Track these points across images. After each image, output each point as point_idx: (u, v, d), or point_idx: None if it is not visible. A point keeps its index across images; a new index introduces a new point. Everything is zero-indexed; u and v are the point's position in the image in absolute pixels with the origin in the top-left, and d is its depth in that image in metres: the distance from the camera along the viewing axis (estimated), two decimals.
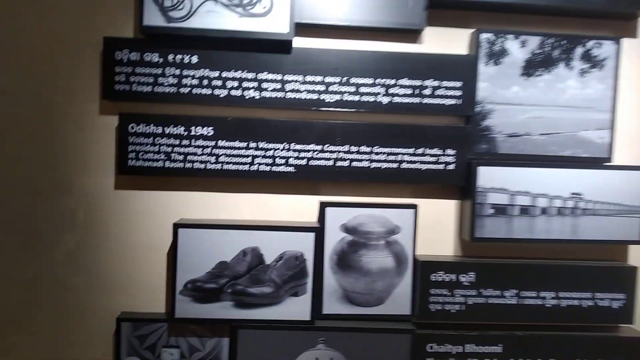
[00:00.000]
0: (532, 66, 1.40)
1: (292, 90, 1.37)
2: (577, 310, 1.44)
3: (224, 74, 1.35)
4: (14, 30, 1.36)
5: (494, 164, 1.39)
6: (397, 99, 1.38)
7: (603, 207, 1.41)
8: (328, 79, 1.37)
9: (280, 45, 1.35)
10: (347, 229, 1.41)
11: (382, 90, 1.38)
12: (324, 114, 1.40)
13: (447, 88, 1.38)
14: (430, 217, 1.46)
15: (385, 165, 1.39)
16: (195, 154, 1.37)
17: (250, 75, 1.36)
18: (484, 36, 1.38)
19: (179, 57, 1.34)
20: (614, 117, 1.43)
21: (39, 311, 1.41)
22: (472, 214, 1.39)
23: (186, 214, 1.42)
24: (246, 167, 1.37)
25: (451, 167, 1.40)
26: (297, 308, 1.39)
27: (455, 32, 1.43)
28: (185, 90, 1.35)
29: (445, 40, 1.43)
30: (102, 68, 1.36)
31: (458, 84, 1.39)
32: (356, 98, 1.38)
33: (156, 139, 1.36)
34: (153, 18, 1.30)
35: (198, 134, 1.36)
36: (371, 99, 1.38)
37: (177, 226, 1.35)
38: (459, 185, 1.43)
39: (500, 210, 1.39)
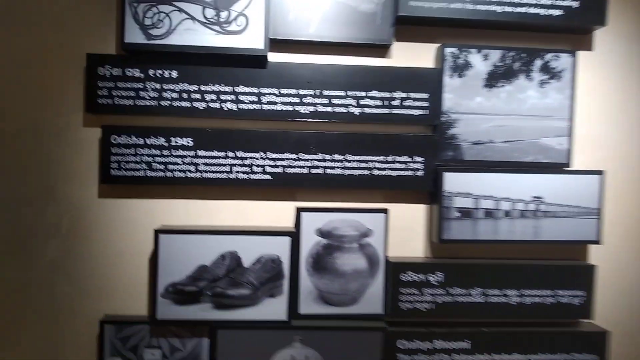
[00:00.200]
0: (494, 78, 1.47)
1: (268, 103, 1.42)
2: (539, 307, 1.51)
3: (203, 88, 1.41)
4: (1, 46, 1.41)
5: (459, 170, 1.46)
6: (367, 110, 1.45)
7: (562, 209, 1.48)
8: (302, 92, 1.43)
9: (256, 60, 1.41)
10: (321, 232, 1.47)
11: (354, 101, 1.44)
12: (298, 124, 1.46)
13: (414, 99, 1.45)
14: (401, 220, 1.52)
15: (357, 172, 1.45)
16: (175, 163, 1.42)
17: (228, 89, 1.41)
18: (449, 50, 1.46)
19: (159, 72, 1.40)
20: (572, 124, 1.50)
21: (26, 315, 1.44)
22: (439, 217, 1.45)
23: (167, 220, 1.47)
24: (225, 175, 1.43)
25: (419, 173, 1.47)
26: (274, 309, 1.44)
27: (421, 47, 1.50)
28: (166, 103, 1.41)
29: (412, 55, 1.50)
30: (85, 83, 1.41)
31: (425, 95, 1.45)
32: (329, 109, 1.44)
33: (138, 149, 1.41)
34: (134, 36, 1.35)
35: (178, 144, 1.41)
36: (343, 110, 1.44)
37: (158, 232, 1.40)
38: (427, 190, 1.49)
39: (466, 213, 1.46)
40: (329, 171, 1.45)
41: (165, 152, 1.41)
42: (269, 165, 1.43)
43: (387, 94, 1.44)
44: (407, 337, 1.48)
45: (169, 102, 1.41)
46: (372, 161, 1.45)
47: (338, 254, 1.46)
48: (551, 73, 1.48)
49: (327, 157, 1.44)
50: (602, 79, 1.56)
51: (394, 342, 1.47)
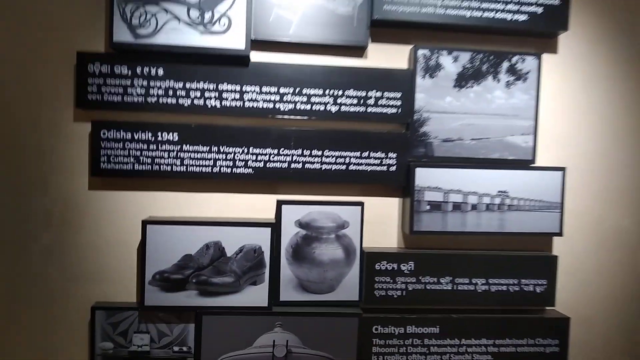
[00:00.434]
0: (464, 79, 1.54)
1: (250, 100, 1.48)
2: (505, 295, 1.58)
3: (188, 85, 1.46)
4: None
5: (430, 166, 1.53)
6: (344, 108, 1.51)
7: (527, 203, 1.56)
8: (282, 90, 1.48)
9: (239, 59, 1.47)
10: (301, 224, 1.53)
11: (331, 100, 1.50)
12: (279, 121, 1.52)
13: (388, 98, 1.52)
14: (375, 213, 1.58)
15: (334, 167, 1.52)
16: (162, 157, 1.47)
17: (212, 86, 1.47)
18: (421, 52, 1.52)
19: (146, 69, 1.45)
20: (537, 123, 1.58)
21: (20, 302, 1.49)
22: (411, 210, 1.52)
23: (154, 212, 1.52)
24: (209, 169, 1.48)
25: (393, 168, 1.53)
26: (256, 296, 1.50)
27: (395, 49, 1.56)
28: (153, 99, 1.46)
29: (387, 56, 1.56)
30: (75, 79, 1.45)
31: (398, 94, 1.52)
32: (308, 107, 1.50)
33: (126, 143, 1.46)
34: (122, 35, 1.40)
35: (164, 139, 1.47)
36: (321, 107, 1.50)
37: (145, 223, 1.45)
38: (399, 184, 1.56)
39: (436, 206, 1.53)
40: (307, 166, 1.51)
41: (152, 147, 1.46)
42: (251, 160, 1.49)
43: (362, 93, 1.51)
44: (382, 323, 1.55)
45: (156, 99, 1.46)
46: (348, 157, 1.52)
47: (316, 244, 1.53)
48: (517, 74, 1.56)
49: (306, 152, 1.50)
50: (566, 80, 1.63)
51: (370, 327, 1.54)
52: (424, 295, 1.55)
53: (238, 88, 1.47)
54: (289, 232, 1.53)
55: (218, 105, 1.47)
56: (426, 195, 1.52)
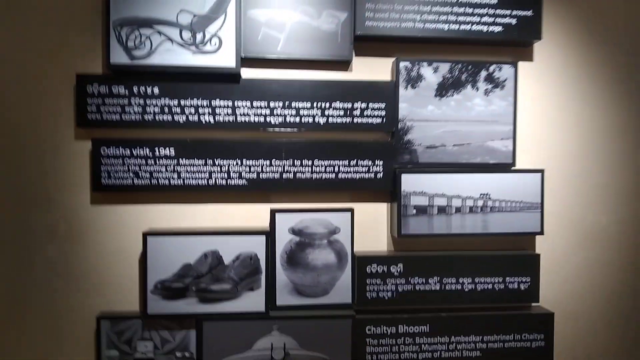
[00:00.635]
0: (444, 88, 1.61)
1: (242, 114, 1.54)
2: (491, 293, 1.64)
3: (182, 102, 1.52)
4: (1, 69, 1.53)
5: (415, 172, 1.59)
6: (332, 119, 1.57)
7: (508, 204, 1.62)
8: (272, 104, 1.55)
9: (230, 77, 1.53)
10: (294, 231, 1.59)
11: (319, 112, 1.56)
12: (270, 133, 1.58)
13: (373, 109, 1.58)
14: (365, 218, 1.64)
15: (324, 175, 1.58)
16: (159, 171, 1.53)
17: (205, 103, 1.53)
18: (403, 64, 1.59)
19: (142, 89, 1.51)
20: (515, 128, 1.64)
21: (27, 312, 1.55)
22: (398, 214, 1.59)
23: (154, 223, 1.58)
24: (205, 181, 1.54)
25: (380, 175, 1.60)
26: (253, 301, 1.56)
27: (378, 62, 1.63)
28: (149, 117, 1.52)
29: (370, 69, 1.63)
30: (75, 100, 1.51)
31: (382, 105, 1.58)
32: (297, 119, 1.56)
33: (125, 159, 1.51)
34: (119, 57, 1.47)
35: (162, 154, 1.53)
36: (310, 119, 1.56)
37: (146, 234, 1.51)
38: (387, 190, 1.62)
39: (422, 210, 1.59)
40: (299, 175, 1.57)
41: (150, 162, 1.52)
42: (245, 171, 1.55)
43: (348, 105, 1.57)
44: (374, 323, 1.60)
45: (152, 116, 1.52)
46: (337, 165, 1.58)
47: (309, 250, 1.59)
48: (495, 82, 1.62)
49: (297, 162, 1.57)
50: (542, 86, 1.70)
51: (363, 328, 1.60)
52: (414, 295, 1.61)
53: (230, 104, 1.53)
54: (283, 239, 1.58)
55: (212, 121, 1.53)
56: (412, 200, 1.58)
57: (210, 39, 1.48)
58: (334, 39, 1.55)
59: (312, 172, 1.57)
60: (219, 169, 1.54)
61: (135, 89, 1.50)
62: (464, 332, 1.63)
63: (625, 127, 1.75)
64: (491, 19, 1.58)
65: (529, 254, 1.67)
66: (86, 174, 1.54)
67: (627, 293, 1.77)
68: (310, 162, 1.57)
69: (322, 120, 1.56)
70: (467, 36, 1.59)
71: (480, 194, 1.61)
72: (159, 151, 1.52)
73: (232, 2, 1.47)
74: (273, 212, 1.57)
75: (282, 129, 1.56)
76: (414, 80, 1.59)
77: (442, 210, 1.59)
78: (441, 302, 1.62)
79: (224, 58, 1.49)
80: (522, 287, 1.65)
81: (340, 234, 1.60)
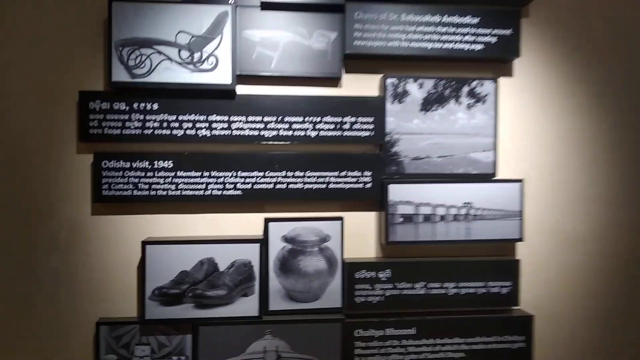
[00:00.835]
0: (429, 103, 1.69)
1: (237, 129, 1.61)
2: (473, 297, 1.71)
3: (180, 117, 1.59)
4: (6, 85, 1.57)
5: (401, 182, 1.67)
6: (322, 133, 1.64)
7: (490, 213, 1.70)
8: (266, 119, 1.62)
9: (226, 93, 1.60)
10: (287, 239, 1.65)
11: (311, 126, 1.64)
12: (264, 146, 1.65)
13: (362, 123, 1.66)
14: (354, 226, 1.71)
15: (315, 186, 1.65)
16: (158, 183, 1.59)
17: (202, 118, 1.60)
18: (390, 80, 1.67)
19: (142, 105, 1.58)
20: (496, 140, 1.72)
21: (30, 319, 1.60)
22: (386, 222, 1.66)
23: (152, 233, 1.64)
24: (201, 192, 1.60)
25: (368, 185, 1.67)
26: (247, 306, 1.62)
27: (366, 78, 1.71)
28: (149, 131, 1.58)
29: (359, 85, 1.70)
30: (78, 116, 1.58)
31: (370, 119, 1.66)
32: (290, 133, 1.63)
33: (125, 172, 1.57)
34: (120, 75, 1.53)
35: (160, 166, 1.59)
36: (302, 133, 1.64)
37: (145, 243, 1.57)
38: (375, 200, 1.69)
39: (408, 218, 1.67)
40: (291, 186, 1.64)
41: (149, 174, 1.58)
42: (240, 183, 1.62)
43: (338, 119, 1.65)
44: (363, 327, 1.67)
45: (151, 131, 1.58)
46: (328, 176, 1.65)
47: (301, 257, 1.65)
48: (477, 97, 1.71)
49: (290, 173, 1.63)
50: (521, 101, 1.79)
51: (352, 331, 1.66)
52: (401, 300, 1.68)
53: (226, 118, 1.60)
54: (276, 247, 1.65)
55: (208, 135, 1.60)
56: (399, 209, 1.66)
57: (207, 58, 1.55)
58: (324, 57, 1.63)
59: (304, 183, 1.64)
60: (215, 180, 1.60)
61: (135, 105, 1.57)
62: (449, 335, 1.70)
63: (599, 139, 1.83)
64: (472, 38, 1.67)
65: (509, 259, 1.75)
66: (87, 186, 1.60)
67: (604, 296, 1.85)
68: (302, 174, 1.64)
69: (313, 134, 1.64)
70: (450, 54, 1.67)
71: (464, 203, 1.68)
72: (157, 164, 1.58)
73: (228, 23, 1.55)
74: (267, 221, 1.64)
75: (276, 142, 1.63)
76: (401, 96, 1.67)
77: (427, 218, 1.67)
78: (427, 306, 1.69)
79: (221, 76, 1.56)
80: (503, 291, 1.72)
81: (330, 242, 1.66)
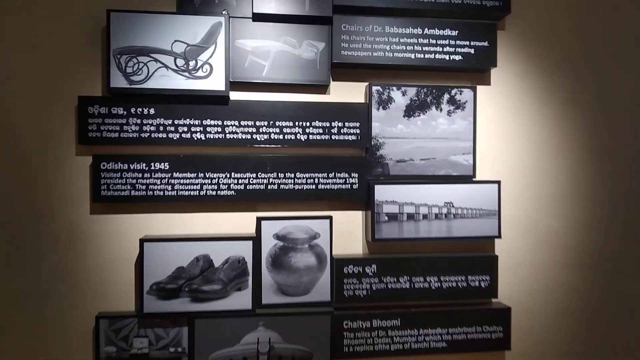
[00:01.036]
0: (412, 109, 1.78)
1: (230, 133, 1.68)
2: (455, 290, 1.81)
3: (176, 122, 1.66)
4: (9, 90, 1.62)
5: (386, 183, 1.75)
6: (312, 137, 1.72)
7: (469, 212, 1.80)
8: (258, 123, 1.69)
9: (220, 99, 1.67)
10: (278, 237, 1.72)
11: (300, 130, 1.72)
12: (256, 149, 1.72)
13: (349, 127, 1.74)
14: (342, 225, 1.80)
15: (305, 186, 1.73)
16: (155, 184, 1.65)
17: (197, 122, 1.66)
18: (375, 88, 1.75)
19: (139, 110, 1.64)
20: (475, 144, 1.82)
21: (32, 314, 1.65)
22: (372, 221, 1.74)
23: (149, 231, 1.70)
24: (196, 193, 1.67)
25: (355, 186, 1.75)
26: (241, 300, 1.68)
27: (353, 86, 1.79)
28: (145, 135, 1.64)
29: (346, 92, 1.79)
30: (77, 120, 1.63)
31: (357, 124, 1.74)
32: (280, 137, 1.71)
33: (123, 173, 1.63)
34: (118, 81, 1.59)
35: (157, 168, 1.65)
36: (292, 137, 1.71)
37: (142, 241, 1.63)
38: (361, 200, 1.77)
39: (393, 217, 1.75)
40: (282, 186, 1.71)
41: (146, 175, 1.65)
42: (233, 183, 1.69)
43: (327, 124, 1.73)
44: (351, 319, 1.75)
45: (148, 134, 1.65)
46: (317, 177, 1.73)
47: (292, 253, 1.72)
48: (457, 104, 1.80)
49: (281, 175, 1.71)
50: (498, 107, 1.89)
51: (340, 323, 1.74)
52: (386, 293, 1.77)
53: (220, 123, 1.67)
54: (268, 244, 1.72)
55: (203, 138, 1.67)
56: (384, 208, 1.75)
57: (202, 66, 1.62)
58: (313, 65, 1.71)
59: (294, 184, 1.72)
60: (209, 181, 1.67)
61: (132, 110, 1.63)
62: (431, 325, 1.79)
63: (569, 143, 1.94)
64: (452, 49, 1.77)
65: (488, 255, 1.85)
66: (86, 186, 1.66)
67: (576, 289, 1.97)
68: (292, 175, 1.71)
69: (303, 138, 1.72)
70: (431, 64, 1.77)
71: (445, 203, 1.78)
72: (154, 165, 1.65)
73: (221, 33, 1.62)
74: (259, 220, 1.71)
75: (267, 146, 1.70)
76: (385, 103, 1.76)
77: (410, 217, 1.76)
78: (411, 298, 1.79)
79: (215, 82, 1.63)
80: (482, 284, 1.82)
81: (320, 239, 1.74)
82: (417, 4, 1.74)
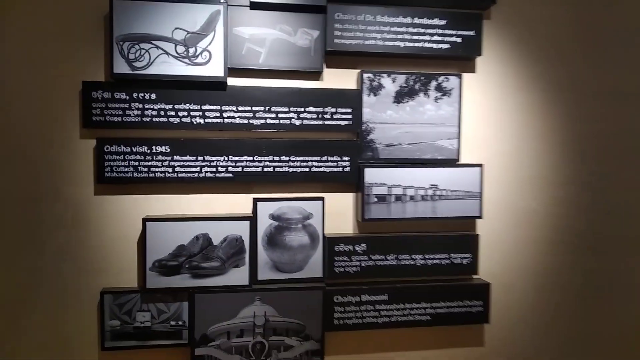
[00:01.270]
0: (401, 96, 1.85)
1: (228, 117, 1.74)
2: (438, 267, 1.91)
3: (176, 106, 1.71)
4: (17, 76, 1.66)
5: (376, 166, 1.83)
6: (306, 122, 1.79)
7: (453, 193, 1.89)
8: (255, 108, 1.75)
9: (218, 85, 1.72)
10: (273, 217, 1.80)
11: (295, 115, 1.78)
12: (253, 133, 1.78)
13: (341, 113, 1.81)
14: (334, 205, 1.87)
15: (299, 169, 1.80)
16: (156, 166, 1.71)
17: (196, 107, 1.72)
18: (366, 75, 1.82)
19: (141, 95, 1.69)
20: (460, 130, 1.90)
21: (40, 291, 1.71)
22: (362, 202, 1.82)
23: (151, 211, 1.76)
24: (196, 175, 1.73)
25: (347, 169, 1.82)
26: (238, 276, 1.76)
27: (345, 73, 1.86)
28: (147, 119, 1.70)
29: (339, 79, 1.85)
30: (82, 104, 1.68)
31: (349, 110, 1.81)
32: (276, 121, 1.77)
33: (126, 156, 1.69)
34: (121, 67, 1.64)
35: (158, 151, 1.71)
36: (287, 122, 1.78)
37: (145, 220, 1.69)
38: (352, 182, 1.85)
39: (381, 198, 1.84)
40: (277, 169, 1.78)
41: (148, 158, 1.70)
42: (231, 166, 1.75)
43: (320, 109, 1.79)
44: (341, 294, 1.84)
45: (150, 118, 1.70)
46: (310, 161, 1.80)
47: (287, 232, 1.80)
48: (443, 91, 1.87)
49: (276, 158, 1.77)
50: (482, 94, 1.97)
51: (332, 297, 1.83)
52: (375, 270, 1.86)
53: (218, 108, 1.73)
54: (264, 224, 1.79)
55: (202, 122, 1.72)
56: (373, 190, 1.83)
57: (201, 53, 1.67)
58: (307, 53, 1.77)
59: (289, 167, 1.79)
60: (208, 164, 1.73)
61: (135, 95, 1.68)
62: (416, 300, 1.89)
63: (551, 129, 2.04)
64: (440, 38, 1.84)
65: (470, 234, 1.95)
66: (90, 168, 1.71)
67: (553, 266, 2.08)
68: (287, 158, 1.78)
69: (297, 123, 1.78)
70: (420, 52, 1.84)
71: (430, 185, 1.86)
72: (155, 148, 1.70)
73: (220, 21, 1.67)
74: (255, 201, 1.78)
75: (264, 130, 1.77)
76: (376, 89, 1.83)
77: (398, 198, 1.85)
78: (397, 275, 1.88)
79: (213, 69, 1.68)
80: (464, 262, 1.92)
81: (313, 219, 1.82)
82: None
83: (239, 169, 1.75)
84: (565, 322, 2.10)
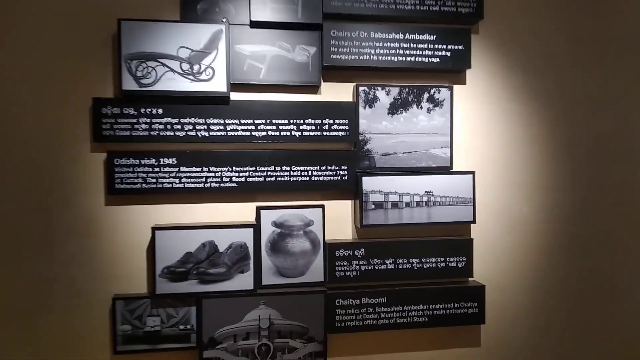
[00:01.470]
0: (395, 107, 1.91)
1: (232, 130, 1.80)
2: (434, 270, 1.95)
3: (182, 120, 1.77)
4: (31, 93, 1.72)
5: (373, 175, 1.89)
6: (305, 133, 1.85)
7: (447, 199, 1.94)
8: (257, 121, 1.81)
9: (221, 99, 1.78)
10: (276, 224, 1.85)
11: (295, 127, 1.84)
12: (255, 145, 1.84)
13: (339, 124, 1.87)
14: (333, 212, 1.93)
15: (300, 178, 1.85)
16: (164, 177, 1.76)
17: (201, 121, 1.78)
18: (362, 88, 1.88)
19: (149, 110, 1.75)
20: (452, 139, 1.96)
21: (54, 298, 1.76)
22: (360, 209, 1.88)
23: (159, 220, 1.82)
24: (201, 185, 1.79)
25: (345, 178, 1.88)
26: (243, 281, 1.81)
27: (342, 86, 1.92)
28: (154, 133, 1.75)
29: (336, 92, 1.92)
30: (92, 119, 1.74)
31: (346, 121, 1.87)
32: (277, 133, 1.83)
33: (135, 168, 1.75)
34: (129, 84, 1.70)
35: (165, 163, 1.76)
36: (287, 133, 1.83)
37: (154, 229, 1.74)
38: (351, 190, 1.90)
39: (379, 205, 1.89)
40: (279, 179, 1.83)
41: (156, 169, 1.76)
42: (235, 176, 1.80)
43: (318, 121, 1.85)
44: (342, 297, 1.88)
45: (157, 132, 1.75)
46: (310, 170, 1.85)
47: (289, 239, 1.85)
48: (435, 102, 1.94)
49: (278, 168, 1.83)
50: (473, 105, 2.03)
51: (333, 301, 1.87)
52: (374, 273, 1.90)
53: (222, 121, 1.79)
54: (267, 231, 1.84)
55: (207, 135, 1.78)
56: (371, 197, 1.88)
57: (205, 70, 1.74)
58: (305, 68, 1.84)
59: (290, 176, 1.84)
60: (213, 174, 1.79)
61: (142, 110, 1.74)
62: (414, 302, 1.93)
63: (539, 135, 2.10)
64: (431, 52, 1.91)
65: (464, 238, 1.99)
66: (101, 180, 1.77)
67: (544, 268, 2.13)
68: (288, 168, 1.84)
69: (297, 134, 1.84)
70: (412, 66, 1.90)
71: (425, 192, 1.92)
72: (163, 160, 1.76)
73: (222, 39, 1.74)
74: (258, 209, 1.84)
75: (265, 142, 1.82)
76: (371, 101, 1.90)
77: (395, 205, 1.90)
78: (395, 278, 1.92)
79: (217, 84, 1.75)
80: (459, 265, 1.97)
81: (313, 226, 1.87)
82: (399, 11, 1.87)
83: (243, 179, 1.81)
84: (558, 322, 2.15)
